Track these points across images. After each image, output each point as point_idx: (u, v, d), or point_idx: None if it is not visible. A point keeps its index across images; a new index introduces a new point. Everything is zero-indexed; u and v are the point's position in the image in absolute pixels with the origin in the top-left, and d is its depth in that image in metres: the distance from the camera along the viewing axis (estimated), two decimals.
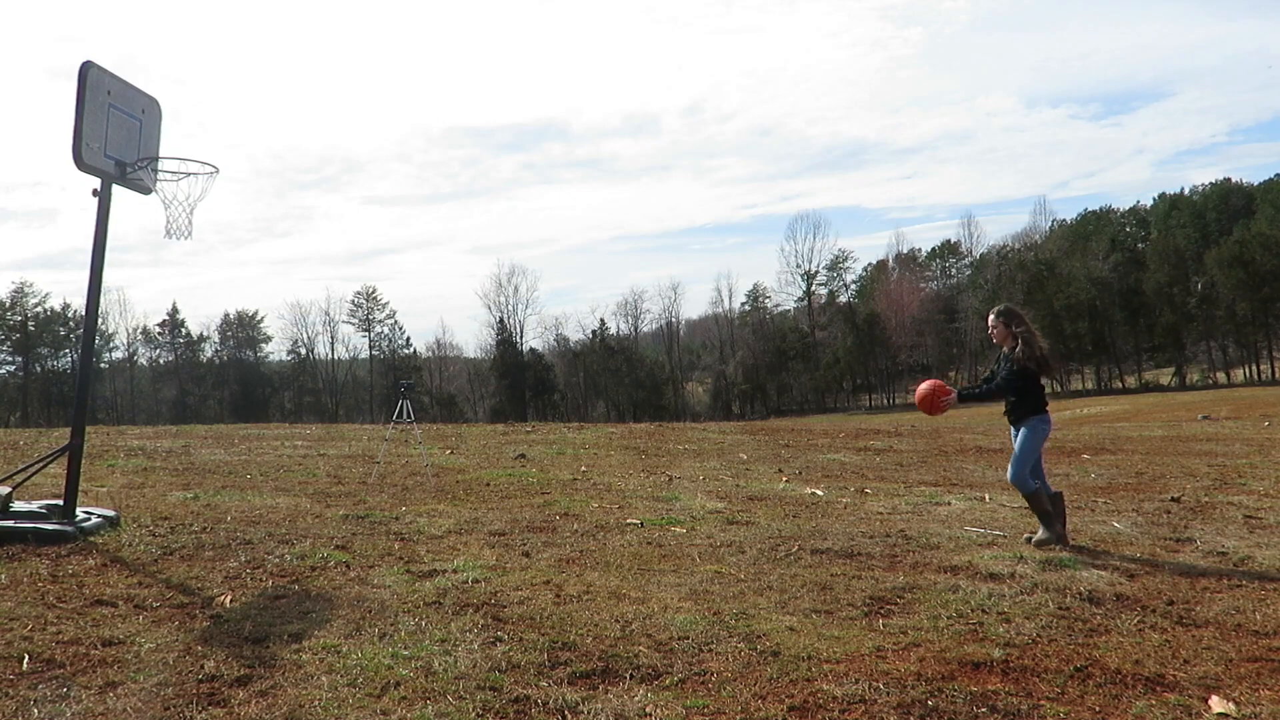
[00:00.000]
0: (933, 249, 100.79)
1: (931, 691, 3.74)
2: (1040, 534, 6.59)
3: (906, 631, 4.55)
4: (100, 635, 4.30)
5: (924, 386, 6.90)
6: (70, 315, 77.40)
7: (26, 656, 4.00)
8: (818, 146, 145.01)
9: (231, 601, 4.94)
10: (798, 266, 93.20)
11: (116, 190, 6.81)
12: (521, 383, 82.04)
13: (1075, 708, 3.63)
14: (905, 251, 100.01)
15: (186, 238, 7.01)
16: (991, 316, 6.86)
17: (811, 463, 12.81)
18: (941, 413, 6.86)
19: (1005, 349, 6.76)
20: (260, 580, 5.42)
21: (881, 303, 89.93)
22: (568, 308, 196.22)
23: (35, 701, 3.53)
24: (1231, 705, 3.64)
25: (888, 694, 3.71)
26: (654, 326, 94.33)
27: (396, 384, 11.74)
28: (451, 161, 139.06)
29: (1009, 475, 6.66)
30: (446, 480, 10.35)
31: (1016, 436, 6.67)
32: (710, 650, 4.22)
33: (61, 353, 78.94)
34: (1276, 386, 64.25)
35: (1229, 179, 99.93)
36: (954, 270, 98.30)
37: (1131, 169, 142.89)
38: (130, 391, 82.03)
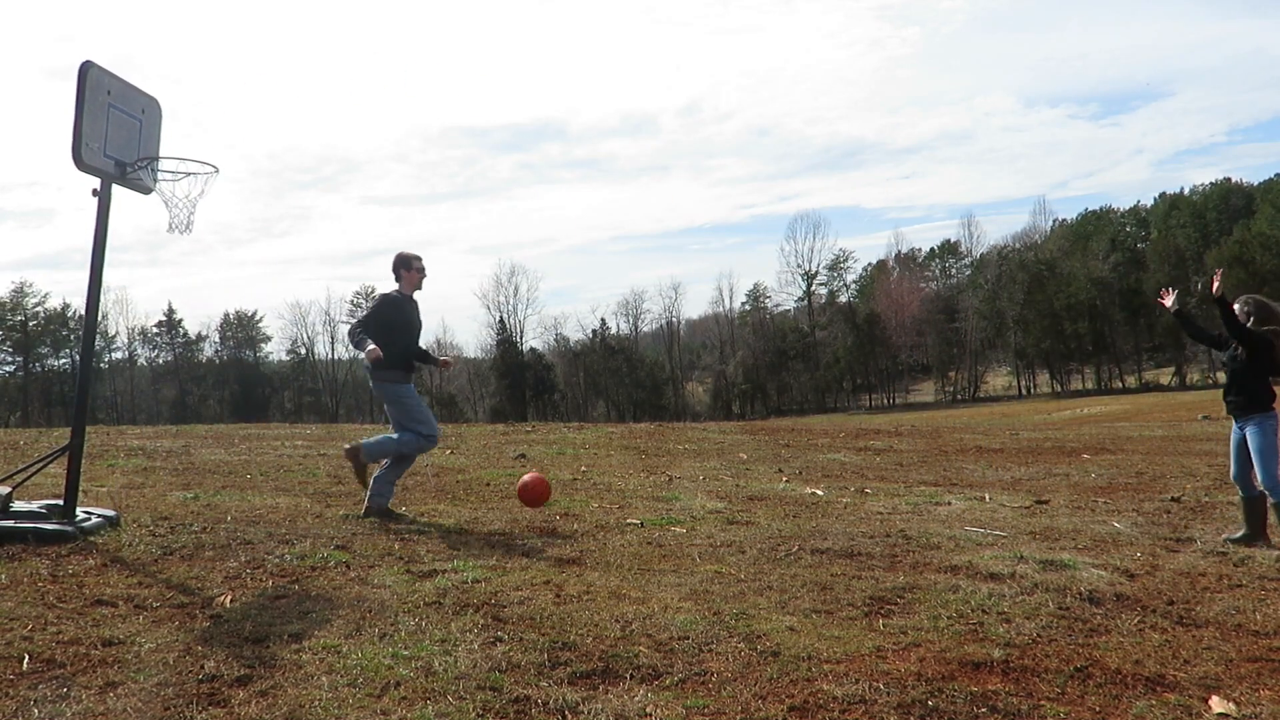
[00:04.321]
0: (932, 249, 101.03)
1: (931, 691, 3.74)
2: (1243, 532, 6.79)
3: (906, 631, 4.55)
4: (100, 635, 4.30)
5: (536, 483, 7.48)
6: (70, 315, 77.42)
7: (26, 656, 3.99)
8: (816, 146, 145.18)
9: (231, 601, 4.94)
10: (798, 266, 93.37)
11: (115, 190, 6.81)
12: (522, 383, 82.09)
13: (1075, 708, 3.63)
14: (905, 251, 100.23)
15: (187, 231, 7.03)
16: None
17: (811, 463, 12.81)
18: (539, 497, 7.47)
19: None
20: (260, 580, 5.41)
21: (881, 303, 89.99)
22: (568, 308, 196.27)
23: (35, 701, 3.52)
24: (1231, 705, 3.64)
25: (888, 694, 3.71)
26: (654, 326, 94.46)
27: None
28: (449, 161, 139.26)
29: (1261, 482, 6.62)
30: (446, 480, 10.35)
31: (1248, 434, 6.71)
32: (710, 650, 4.22)
33: (61, 353, 78.98)
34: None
35: (1229, 179, 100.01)
36: (954, 270, 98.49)
37: (1131, 169, 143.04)
38: (130, 391, 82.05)
